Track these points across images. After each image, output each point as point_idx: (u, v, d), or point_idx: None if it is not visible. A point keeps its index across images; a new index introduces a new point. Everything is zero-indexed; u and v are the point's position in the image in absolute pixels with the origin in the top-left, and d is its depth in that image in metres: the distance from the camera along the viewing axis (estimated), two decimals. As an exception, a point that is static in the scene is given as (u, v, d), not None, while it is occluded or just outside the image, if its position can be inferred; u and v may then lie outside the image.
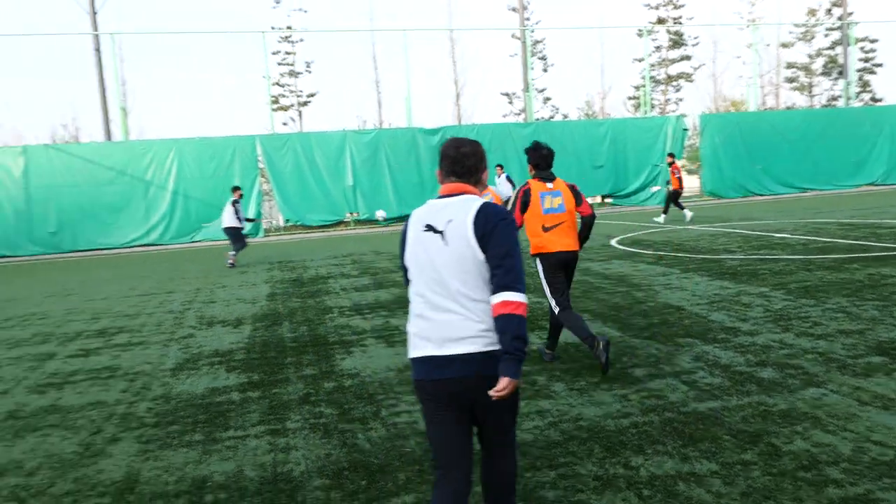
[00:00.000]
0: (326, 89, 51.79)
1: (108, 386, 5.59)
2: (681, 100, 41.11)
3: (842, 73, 32.81)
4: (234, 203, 13.94)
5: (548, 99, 39.03)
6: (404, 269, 2.79)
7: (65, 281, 13.49)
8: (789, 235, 12.93)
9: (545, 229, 5.36)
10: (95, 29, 24.60)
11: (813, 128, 27.33)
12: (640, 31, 31.01)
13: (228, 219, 13.88)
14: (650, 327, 6.43)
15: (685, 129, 26.60)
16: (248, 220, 14.63)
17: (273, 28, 35.51)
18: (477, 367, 2.49)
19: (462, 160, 2.69)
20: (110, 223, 20.89)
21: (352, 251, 15.66)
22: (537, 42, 37.31)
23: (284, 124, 36.49)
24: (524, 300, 2.48)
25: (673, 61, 40.06)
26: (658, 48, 39.95)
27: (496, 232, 2.51)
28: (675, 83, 40.65)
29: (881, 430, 3.74)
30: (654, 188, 26.20)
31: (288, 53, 36.28)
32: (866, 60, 42.00)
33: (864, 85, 42.14)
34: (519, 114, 38.01)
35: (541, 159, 5.55)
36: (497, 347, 2.49)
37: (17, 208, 20.23)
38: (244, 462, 3.87)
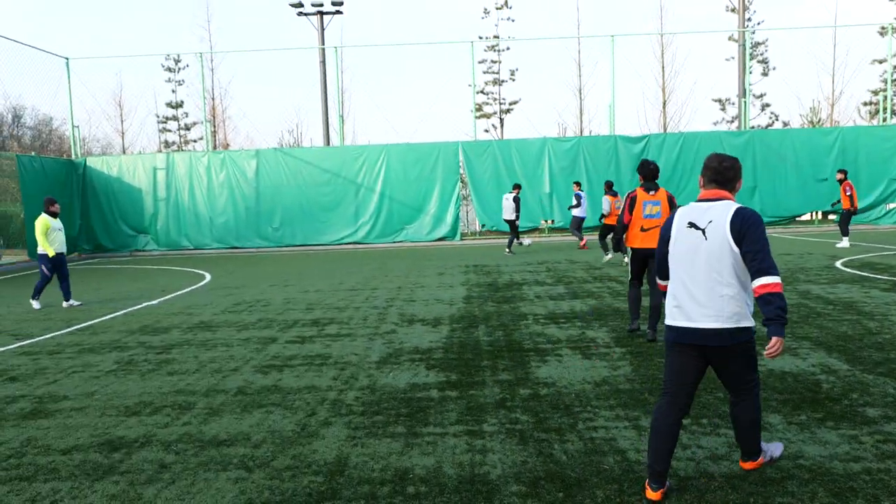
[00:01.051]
0: (529, 97, 52.34)
1: (320, 372, 6.11)
2: (929, 105, 35.78)
3: None
4: (515, 199, 16.79)
5: (766, 105, 36.00)
6: (661, 256, 3.63)
7: (284, 273, 15.01)
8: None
9: (643, 230, 6.87)
10: (322, 43, 27.13)
11: None
12: (882, 28, 27.48)
13: (508, 212, 16.93)
14: (886, 362, 5.66)
15: (934, 139, 23.05)
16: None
17: (480, 37, 36.66)
18: (717, 339, 3.33)
19: (724, 172, 3.46)
20: (324, 221, 22.87)
21: (546, 259, 15.64)
22: (758, 44, 34.61)
23: (486, 131, 37.46)
24: (779, 280, 3.23)
25: (921, 61, 35.01)
26: (903, 46, 35.16)
27: (750, 231, 3.27)
28: (922, 86, 35.49)
29: None
30: (891, 205, 23.03)
31: (493, 62, 37.21)
32: None
33: None
34: (732, 121, 35.52)
35: (648, 173, 6.93)
36: (728, 325, 3.30)
37: (248, 206, 22.91)
38: (443, 459, 4.01)
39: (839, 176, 17.07)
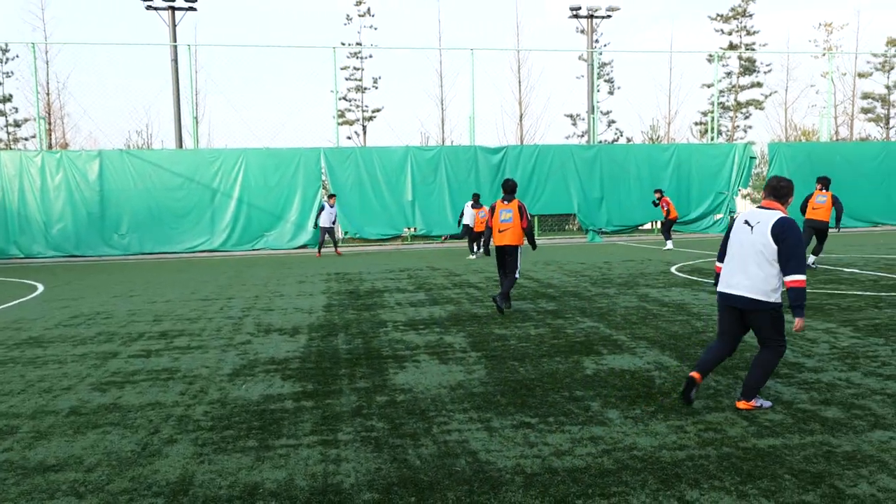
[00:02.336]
0: (392, 105, 52.65)
1: (166, 387, 5.77)
2: (750, 127, 40.10)
3: (923, 104, 31.39)
4: (473, 207, 18.42)
5: (612, 122, 38.65)
6: (724, 244, 4.93)
7: (131, 282, 14.03)
8: (859, 271, 12.39)
9: (500, 231, 8.95)
10: (174, 40, 25.72)
11: (889, 161, 26.21)
12: (710, 56, 30.47)
13: (468, 218, 18.57)
14: (709, 359, 6.24)
15: (753, 157, 25.87)
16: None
17: (343, 44, 36.39)
18: (751, 305, 4.62)
19: (779, 189, 4.70)
20: (176, 228, 21.66)
21: (408, 266, 15.79)
22: (604, 64, 37.08)
23: (349, 138, 37.19)
24: (803, 278, 4.45)
25: (743, 88, 39.18)
26: (728, 74, 39.16)
27: (786, 236, 4.46)
28: (744, 110, 39.70)
29: (958, 482, 3.53)
30: (718, 215, 25.52)
31: (356, 69, 37.07)
32: (949, 92, 40.17)
33: (947, 117, 40.31)
34: (582, 135, 37.75)
35: (506, 188, 8.97)
36: (758, 297, 4.58)
37: (90, 211, 21.18)
38: (296, 471, 3.93)
39: (657, 195, 19.95)
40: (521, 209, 8.82)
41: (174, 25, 25.89)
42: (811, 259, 13.17)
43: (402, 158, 23.03)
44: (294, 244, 22.16)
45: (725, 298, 4.79)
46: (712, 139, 27.21)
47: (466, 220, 18.94)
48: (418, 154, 23.34)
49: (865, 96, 40.67)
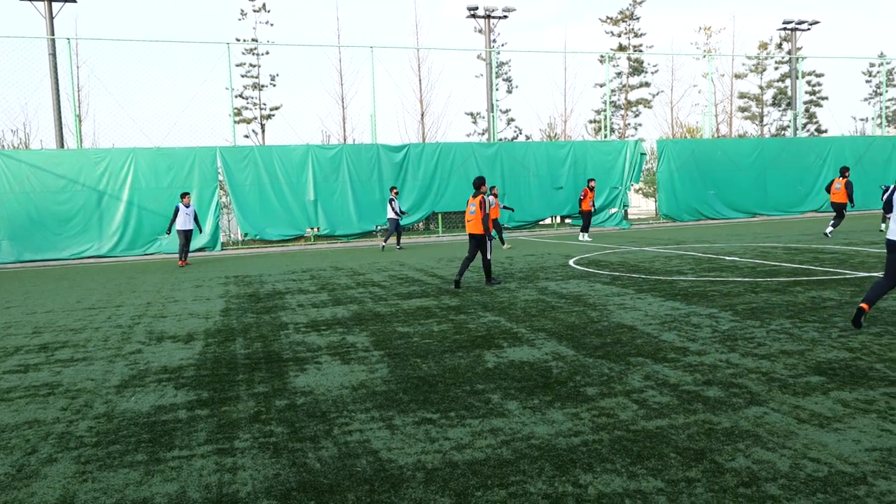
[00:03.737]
0: (291, 103, 51.51)
1: (46, 404, 5.40)
2: (639, 125, 42.00)
3: (790, 105, 34.03)
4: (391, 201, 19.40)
5: (511, 120, 39.46)
6: (888, 200, 6.98)
7: (7, 293, 13.03)
8: (738, 258, 13.28)
9: (468, 221, 10.89)
10: (52, 33, 24.03)
11: (763, 156, 28.27)
12: (601, 57, 31.72)
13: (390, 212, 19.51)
14: (603, 346, 6.52)
15: (643, 154, 27.18)
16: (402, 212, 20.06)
17: (238, 40, 35.22)
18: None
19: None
20: (59, 233, 20.31)
21: (311, 267, 15.51)
22: (503, 64, 37.81)
23: (246, 136, 36.03)
24: None
25: (633, 87, 41.01)
26: (619, 74, 40.88)
27: None
28: (634, 109, 41.58)
29: (817, 447, 3.85)
30: (613, 210, 26.64)
31: (252, 66, 35.97)
32: (812, 93, 43.71)
33: (811, 116, 43.82)
34: (483, 133, 38.34)
35: (474, 184, 10.76)
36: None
37: (-39, 216, 19.51)
38: (188, 483, 3.77)
39: (592, 184, 21.68)
40: (481, 203, 10.59)
41: (51, 17, 24.19)
42: (829, 229, 17.52)
43: (303, 157, 22.61)
44: (190, 247, 21.26)
45: (891, 243, 6.32)
46: (605, 136, 28.37)
47: (391, 215, 19.68)
48: (319, 153, 22.98)
49: (742, 96, 43.59)
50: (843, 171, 18.42)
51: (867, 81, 45.14)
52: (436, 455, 4.02)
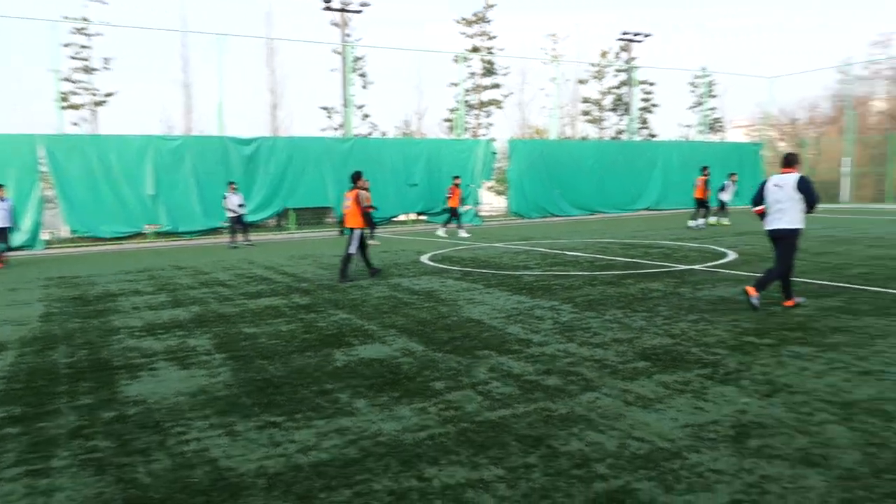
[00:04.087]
0: (129, 90, 47.82)
1: None
2: (491, 125, 43.42)
3: (626, 111, 36.77)
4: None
5: (367, 116, 39.20)
6: (759, 197, 7.78)
7: None
8: (580, 254, 14.12)
9: (343, 215, 11.65)
10: None
11: (603, 157, 30.28)
12: (455, 57, 32.40)
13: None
14: (452, 341, 6.64)
15: (494, 153, 28.12)
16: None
17: (66, 18, 32.11)
18: (782, 233, 7.53)
19: (789, 159, 7.61)
20: None
21: (149, 266, 14.49)
22: (358, 59, 37.52)
23: (75, 124, 32.95)
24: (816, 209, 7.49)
25: (485, 88, 42.29)
26: (472, 74, 41.99)
27: (807, 188, 7.33)
28: (486, 109, 42.92)
29: (641, 426, 4.17)
30: (466, 207, 27.33)
31: (83, 47, 32.97)
32: (646, 101, 47.48)
33: (644, 122, 47.60)
34: (337, 128, 37.82)
35: (351, 178, 11.33)
36: (789, 227, 7.50)
37: None
38: (-8, 508, 3.37)
39: (458, 181, 22.00)
40: (356, 197, 11.00)
41: None
42: (691, 223, 20.13)
43: (142, 148, 21.05)
44: (9, 246, 19.10)
45: (770, 232, 7.69)
46: (459, 135, 29.04)
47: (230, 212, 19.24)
48: (161, 144, 21.52)
49: (585, 100, 46.43)
50: (703, 170, 20.52)
51: (691, 92, 49.70)
52: (279, 459, 3.89)
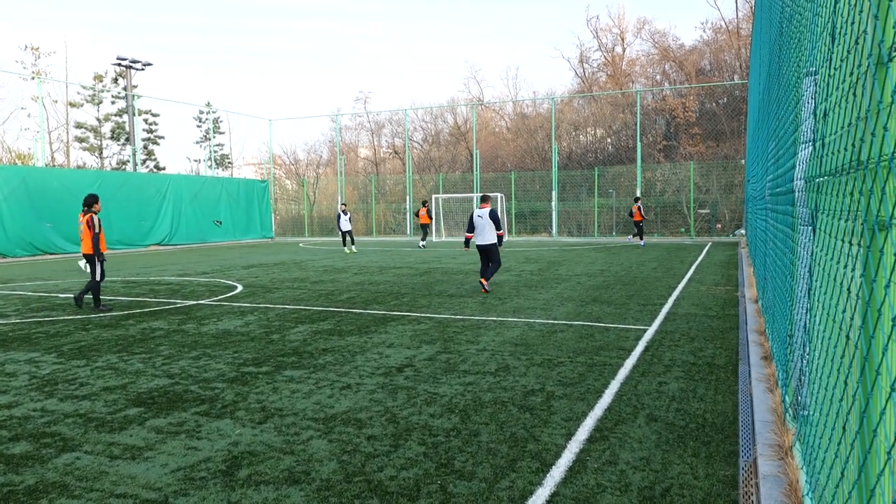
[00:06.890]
0: None
1: None
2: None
3: (129, 140, 34.68)
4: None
5: None
6: (471, 225, 12.15)
7: None
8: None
9: (80, 240, 10.70)
10: None
11: (104, 188, 27.81)
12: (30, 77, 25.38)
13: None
14: None
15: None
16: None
17: None
18: (489, 248, 12.05)
19: (484, 198, 12.11)
20: None
21: None
22: None
23: None
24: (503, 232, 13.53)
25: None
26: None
27: (496, 217, 11.98)
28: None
29: (126, 481, 3.80)
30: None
31: None
32: (150, 132, 45.80)
33: (150, 153, 45.80)
34: None
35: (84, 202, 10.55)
36: (490, 243, 12.04)
37: None
38: None
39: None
40: (89, 222, 10.33)
41: None
42: (630, 238, 26.90)
43: None
44: None
45: (478, 246, 11.70)
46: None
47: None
48: None
49: (79, 126, 42.12)
50: (637, 199, 25.97)
51: (198, 126, 49.94)
52: None
